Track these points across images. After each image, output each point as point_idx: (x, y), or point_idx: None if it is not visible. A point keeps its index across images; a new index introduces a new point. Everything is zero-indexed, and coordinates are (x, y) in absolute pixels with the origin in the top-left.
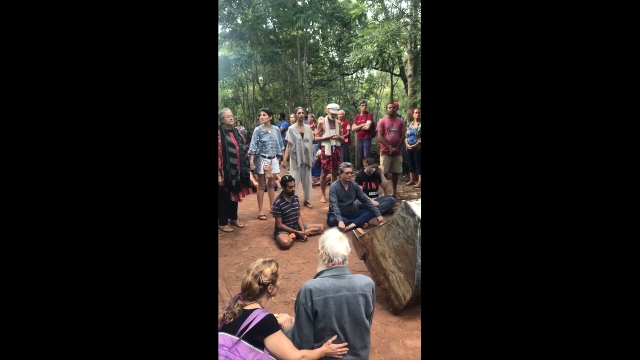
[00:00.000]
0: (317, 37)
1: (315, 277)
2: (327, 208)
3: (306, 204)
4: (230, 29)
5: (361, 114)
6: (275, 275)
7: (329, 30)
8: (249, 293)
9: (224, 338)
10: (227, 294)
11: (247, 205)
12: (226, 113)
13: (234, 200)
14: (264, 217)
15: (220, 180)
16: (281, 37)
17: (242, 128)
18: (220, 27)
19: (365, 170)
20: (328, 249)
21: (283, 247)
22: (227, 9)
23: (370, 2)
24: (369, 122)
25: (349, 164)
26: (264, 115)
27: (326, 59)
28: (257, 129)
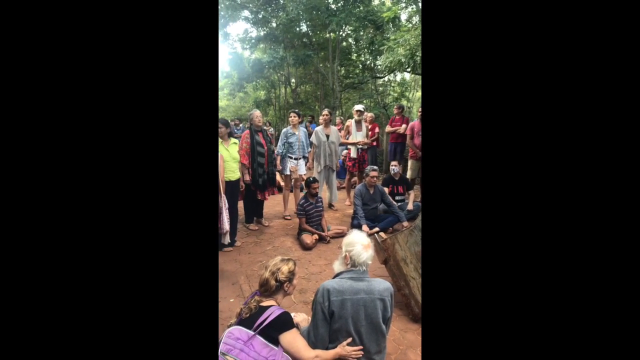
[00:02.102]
0: (350, 40)
1: (334, 277)
2: (352, 211)
3: (330, 205)
4: (265, 32)
5: (396, 117)
6: (292, 273)
7: (361, 33)
8: (266, 289)
9: (240, 331)
10: (249, 290)
11: (272, 204)
12: (255, 114)
13: (259, 198)
14: (289, 217)
15: (248, 178)
16: (314, 39)
17: (271, 129)
18: (254, 30)
19: (392, 174)
20: (355, 256)
21: (305, 248)
22: (262, 12)
23: (403, 5)
24: (404, 126)
25: (375, 167)
26: (294, 116)
27: (358, 62)
28: (284, 130)
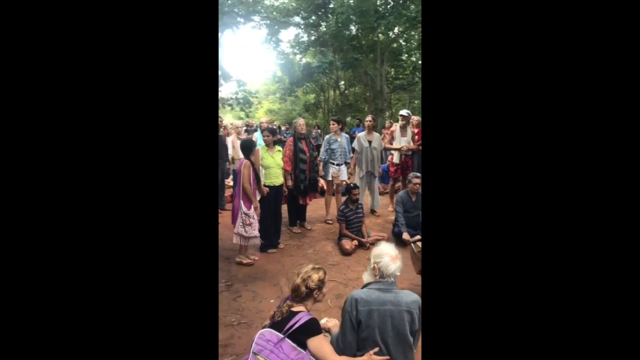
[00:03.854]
0: (400, 41)
1: (363, 287)
2: (394, 217)
3: (372, 211)
4: (314, 37)
5: None
6: (321, 281)
7: (412, 33)
8: (297, 295)
9: (271, 334)
10: (288, 292)
11: (316, 208)
12: (299, 122)
13: (301, 202)
14: (331, 221)
15: (290, 183)
16: (363, 42)
17: (319, 131)
18: (305, 35)
19: None
20: (383, 268)
21: (345, 253)
22: (313, 17)
23: None
24: None
25: (418, 174)
26: (333, 124)
27: (408, 62)
28: (327, 137)
